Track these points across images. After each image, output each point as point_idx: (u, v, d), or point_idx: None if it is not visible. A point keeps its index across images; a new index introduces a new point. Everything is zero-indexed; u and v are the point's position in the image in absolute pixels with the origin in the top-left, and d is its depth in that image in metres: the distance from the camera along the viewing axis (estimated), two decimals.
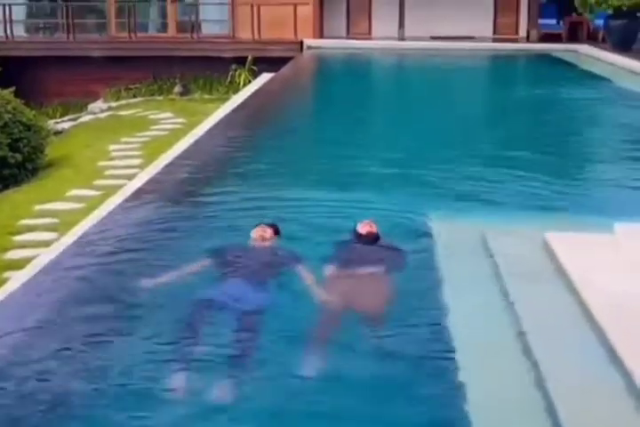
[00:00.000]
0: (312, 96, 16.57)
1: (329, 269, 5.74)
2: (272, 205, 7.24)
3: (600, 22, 20.45)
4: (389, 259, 5.98)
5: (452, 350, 4.64)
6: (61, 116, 18.54)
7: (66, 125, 16.70)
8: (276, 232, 6.21)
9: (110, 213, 7.29)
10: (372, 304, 5.30)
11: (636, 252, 5.54)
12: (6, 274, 6.84)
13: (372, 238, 6.19)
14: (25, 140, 11.57)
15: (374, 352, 4.64)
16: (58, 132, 15.46)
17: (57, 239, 7.28)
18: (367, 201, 7.27)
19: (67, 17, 21.70)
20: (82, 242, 6.58)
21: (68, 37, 21.64)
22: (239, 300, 5.12)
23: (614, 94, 14.30)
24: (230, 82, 19.82)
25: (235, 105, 13.61)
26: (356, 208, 6.99)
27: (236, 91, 17.53)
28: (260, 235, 6.09)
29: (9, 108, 11.67)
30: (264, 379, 4.35)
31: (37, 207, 9.26)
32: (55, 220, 8.73)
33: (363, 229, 6.25)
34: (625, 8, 18.49)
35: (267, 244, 6.07)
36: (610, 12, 18.76)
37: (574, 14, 21.38)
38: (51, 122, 15.98)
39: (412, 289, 5.53)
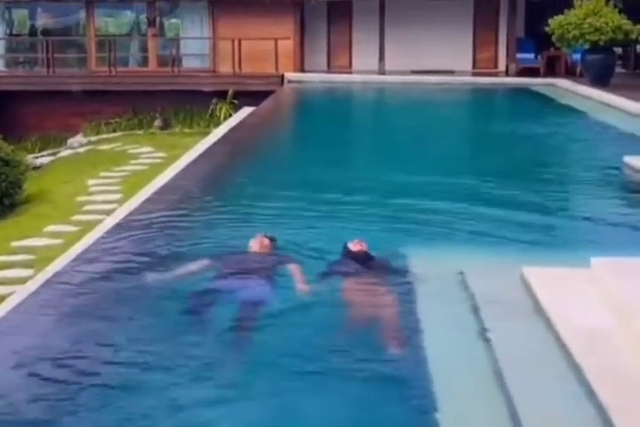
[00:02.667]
0: (292, 130, 16.61)
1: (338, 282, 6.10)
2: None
3: (577, 57, 20.68)
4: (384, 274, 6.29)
5: (429, 385, 4.62)
6: (40, 150, 18.52)
7: (45, 160, 16.67)
8: (273, 242, 6.70)
9: (86, 250, 7.23)
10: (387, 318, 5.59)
11: (612, 286, 5.53)
12: None
13: (363, 256, 6.41)
14: (2, 176, 11.53)
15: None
16: (36, 167, 15.43)
17: (33, 276, 7.22)
18: (342, 237, 7.22)
19: (47, 51, 21.74)
20: (56, 279, 6.51)
21: (47, 72, 21.66)
22: (242, 292, 5.73)
23: (590, 128, 14.42)
24: (211, 116, 19.87)
25: (215, 139, 13.62)
26: (332, 244, 6.98)
27: (217, 125, 17.57)
28: (258, 242, 6.58)
29: None
30: None
31: (14, 244, 9.20)
32: (32, 256, 8.67)
33: (354, 247, 6.47)
34: (601, 43, 18.71)
35: (265, 251, 6.56)
36: (587, 46, 18.98)
37: (552, 49, 21.64)
38: (29, 157, 15.96)
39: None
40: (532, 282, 5.85)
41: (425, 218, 8.00)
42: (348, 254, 6.46)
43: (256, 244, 6.59)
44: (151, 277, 6.10)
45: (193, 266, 6.27)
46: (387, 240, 7.16)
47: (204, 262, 6.33)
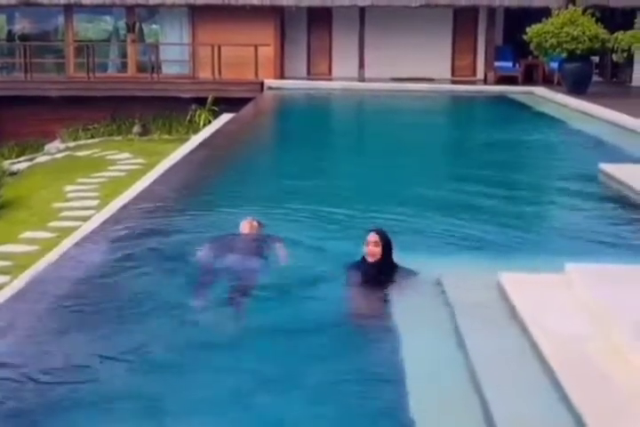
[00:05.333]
0: (270, 138, 16.61)
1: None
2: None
3: (555, 65, 20.82)
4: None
5: (405, 391, 4.64)
6: (17, 156, 18.39)
7: (22, 166, 16.57)
8: (260, 225, 7.42)
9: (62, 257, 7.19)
10: None
11: (586, 291, 5.57)
12: None
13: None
14: None
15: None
16: (13, 173, 15.34)
17: (9, 282, 7.17)
18: (320, 246, 7.23)
19: (24, 56, 21.65)
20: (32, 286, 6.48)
21: (25, 77, 21.56)
22: (239, 265, 6.56)
23: (566, 136, 14.53)
24: (190, 122, 19.84)
25: (193, 146, 13.59)
26: (306, 253, 6.98)
27: (196, 131, 17.54)
28: (248, 224, 7.31)
29: None
30: None
31: None
32: (8, 262, 8.62)
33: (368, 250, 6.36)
34: (579, 52, 18.87)
35: (254, 232, 7.32)
36: (564, 55, 19.13)
37: (530, 57, 21.78)
38: (6, 162, 15.88)
39: (367, 330, 5.61)
40: (508, 287, 5.89)
41: (400, 225, 8.01)
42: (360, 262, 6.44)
43: (246, 226, 7.31)
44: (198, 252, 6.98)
45: (202, 253, 6.95)
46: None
47: (206, 247, 7.05)
